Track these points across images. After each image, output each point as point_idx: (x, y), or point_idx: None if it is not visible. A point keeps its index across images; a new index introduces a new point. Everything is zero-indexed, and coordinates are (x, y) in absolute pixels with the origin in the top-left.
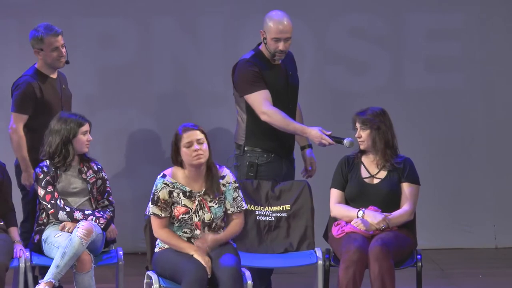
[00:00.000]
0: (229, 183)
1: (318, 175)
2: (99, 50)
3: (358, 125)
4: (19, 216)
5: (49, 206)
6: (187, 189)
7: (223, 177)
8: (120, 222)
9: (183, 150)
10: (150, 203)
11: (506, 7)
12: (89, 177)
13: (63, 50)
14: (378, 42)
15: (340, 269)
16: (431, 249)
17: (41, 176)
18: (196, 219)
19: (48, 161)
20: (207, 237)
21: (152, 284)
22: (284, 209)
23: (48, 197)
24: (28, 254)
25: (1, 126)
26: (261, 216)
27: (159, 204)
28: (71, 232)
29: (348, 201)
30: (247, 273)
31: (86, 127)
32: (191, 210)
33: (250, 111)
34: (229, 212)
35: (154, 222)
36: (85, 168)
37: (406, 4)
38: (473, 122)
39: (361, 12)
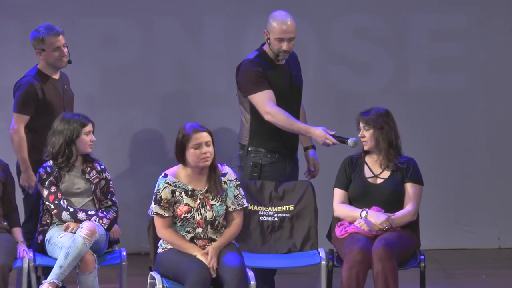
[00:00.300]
0: (230, 181)
1: (321, 175)
2: (101, 50)
3: (361, 125)
4: (21, 216)
5: (52, 206)
6: (189, 188)
7: (224, 175)
8: (124, 223)
9: (191, 151)
10: (152, 203)
11: (506, 7)
12: (92, 178)
13: (65, 50)
14: (381, 42)
15: (344, 269)
16: (434, 249)
17: (45, 176)
18: (198, 218)
19: (51, 162)
20: (208, 251)
21: (156, 285)
22: (287, 209)
23: (51, 198)
24: (31, 254)
25: (2, 127)
26: (264, 217)
27: (162, 204)
28: (74, 233)
29: (352, 201)
30: (250, 274)
31: (89, 128)
32: (193, 209)
33: (254, 112)
34: (230, 209)
35: (158, 222)
36: (89, 169)
37: (408, 5)
38: (475, 122)
39: (364, 13)
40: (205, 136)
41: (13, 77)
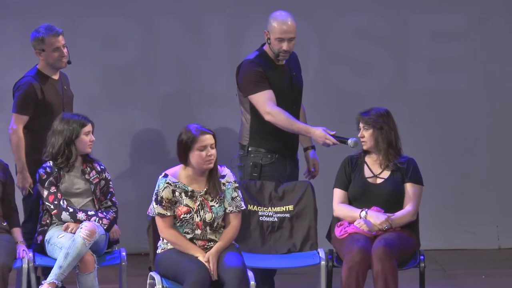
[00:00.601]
0: (228, 182)
1: (321, 175)
2: (101, 51)
3: (361, 125)
4: (21, 216)
5: (52, 206)
6: (189, 188)
7: (223, 177)
8: (124, 223)
9: (196, 153)
10: (153, 203)
11: (506, 7)
12: (92, 178)
13: (65, 50)
14: (381, 42)
15: (343, 269)
16: (434, 249)
17: (44, 177)
18: (197, 219)
19: (51, 162)
20: (208, 256)
21: (155, 285)
22: (287, 209)
23: (51, 198)
24: (31, 254)
25: (2, 127)
26: (264, 217)
27: (163, 204)
28: (74, 233)
29: (351, 200)
30: (250, 274)
31: (88, 128)
32: (193, 210)
33: (254, 112)
34: (227, 211)
35: (160, 222)
36: (88, 169)
37: (408, 5)
38: (475, 122)
39: (364, 13)
40: (210, 138)
41: (13, 78)
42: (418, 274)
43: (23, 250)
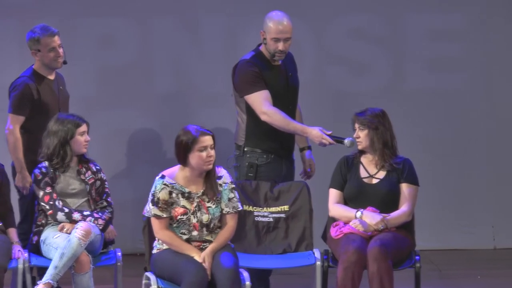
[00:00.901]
0: (225, 183)
1: (317, 175)
2: (98, 51)
3: (356, 125)
4: (17, 217)
5: (47, 207)
6: (186, 190)
7: (220, 177)
8: (119, 223)
9: (196, 154)
10: (150, 204)
11: (506, 8)
12: (87, 178)
13: (60, 50)
14: (378, 42)
15: (339, 270)
16: (429, 249)
17: (40, 177)
18: (194, 220)
19: (46, 162)
20: (203, 256)
21: (151, 285)
22: (282, 210)
23: (46, 198)
24: (26, 255)
25: None
26: (259, 217)
27: (159, 205)
28: (69, 233)
29: (347, 201)
30: (245, 274)
31: (83, 128)
32: (190, 211)
33: (250, 112)
34: (224, 212)
35: (155, 223)
36: (84, 169)
37: (406, 5)
38: (473, 123)
39: (361, 13)
40: (210, 139)
41: (11, 78)
42: (413, 274)
43: (19, 250)
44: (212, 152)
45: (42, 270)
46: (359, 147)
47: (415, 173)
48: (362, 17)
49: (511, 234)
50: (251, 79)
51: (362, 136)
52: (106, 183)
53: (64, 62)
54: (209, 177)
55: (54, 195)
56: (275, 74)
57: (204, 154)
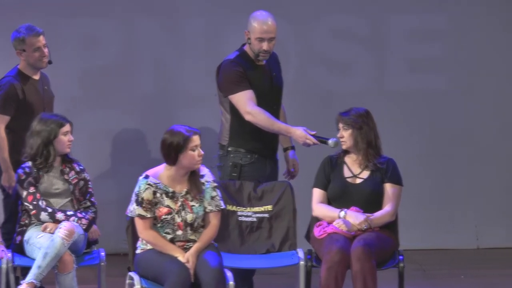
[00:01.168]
0: (208, 182)
1: (300, 175)
2: (82, 51)
3: (340, 125)
4: (0, 217)
5: (31, 207)
6: (170, 189)
7: (202, 176)
8: (103, 223)
9: (189, 153)
10: (134, 204)
11: (487, 8)
12: (71, 178)
13: (45, 50)
14: (361, 42)
15: (322, 269)
16: (413, 249)
17: (23, 177)
18: (178, 220)
19: (30, 162)
20: (187, 256)
21: (134, 285)
22: (266, 210)
23: (30, 198)
24: (10, 255)
25: None
26: (243, 217)
27: (144, 205)
28: (53, 233)
29: (331, 201)
30: (229, 274)
31: (67, 128)
32: (174, 211)
33: (234, 112)
34: (207, 210)
35: (139, 223)
36: (67, 169)
37: (389, 5)
38: (455, 123)
39: (345, 13)
40: (199, 138)
41: None
42: (397, 274)
43: (2, 250)
44: (201, 151)
45: (25, 270)
46: (343, 147)
47: (399, 173)
48: (345, 17)
49: (494, 233)
50: (235, 79)
51: (346, 135)
52: (89, 183)
53: (49, 62)
54: (193, 176)
55: (38, 195)
56: (260, 74)
57: (195, 153)
